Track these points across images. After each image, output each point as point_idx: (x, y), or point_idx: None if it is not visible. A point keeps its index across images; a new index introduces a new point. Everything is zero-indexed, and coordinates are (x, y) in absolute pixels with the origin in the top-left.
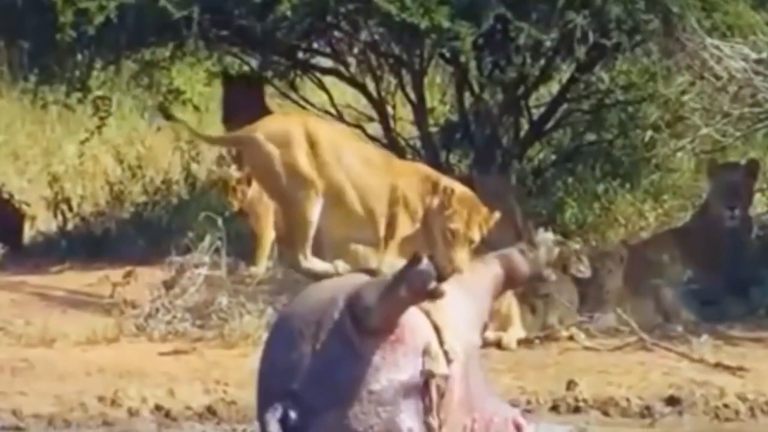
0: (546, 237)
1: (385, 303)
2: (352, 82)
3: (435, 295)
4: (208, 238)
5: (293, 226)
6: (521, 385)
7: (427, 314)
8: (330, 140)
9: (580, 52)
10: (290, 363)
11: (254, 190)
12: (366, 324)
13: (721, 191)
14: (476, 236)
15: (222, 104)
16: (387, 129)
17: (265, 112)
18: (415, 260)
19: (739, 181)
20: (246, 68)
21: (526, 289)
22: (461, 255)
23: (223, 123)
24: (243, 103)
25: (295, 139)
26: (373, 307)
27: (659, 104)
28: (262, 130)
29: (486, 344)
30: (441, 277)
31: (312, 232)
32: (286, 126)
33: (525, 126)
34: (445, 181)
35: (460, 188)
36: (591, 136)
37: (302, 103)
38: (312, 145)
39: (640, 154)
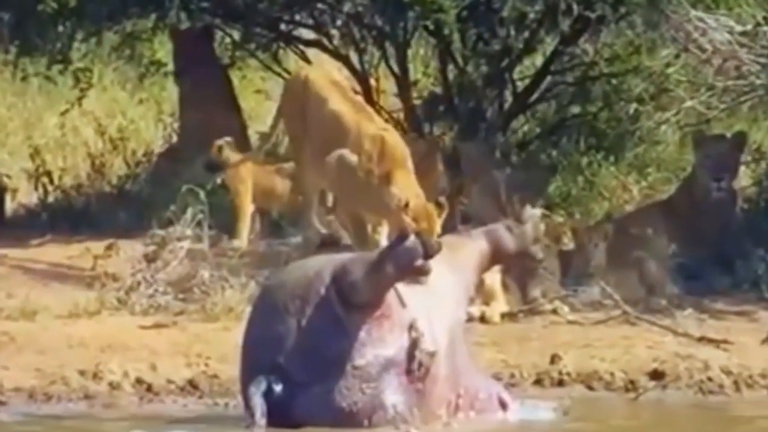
0: (533, 213)
1: (371, 279)
2: (335, 54)
3: (422, 271)
4: (190, 211)
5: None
6: (505, 359)
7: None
8: (317, 96)
9: (565, 24)
10: (275, 337)
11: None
12: (352, 299)
13: (708, 163)
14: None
15: (173, 59)
16: (370, 101)
17: (216, 64)
18: (401, 237)
19: (726, 153)
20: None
21: (510, 263)
22: None
23: (175, 78)
24: (193, 56)
25: (292, 96)
26: (360, 282)
27: (644, 77)
28: (284, 88)
29: (469, 318)
30: (428, 254)
31: (310, 197)
32: (293, 81)
33: (509, 98)
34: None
35: (413, 198)
36: (575, 109)
37: (285, 75)
38: (306, 98)
39: (625, 126)
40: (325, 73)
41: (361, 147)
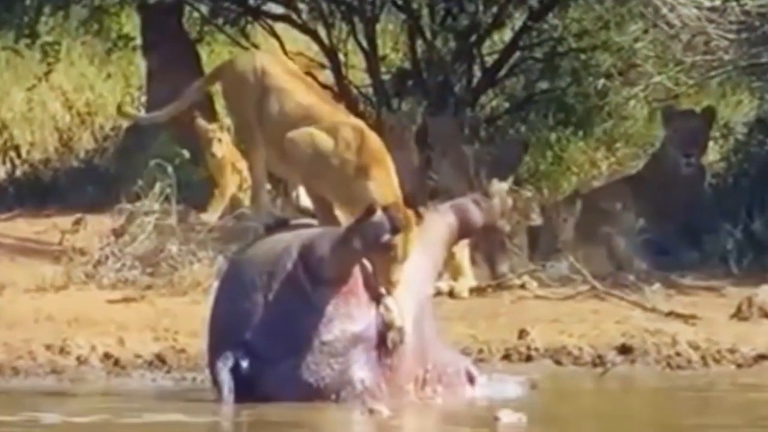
0: (500, 187)
1: (338, 254)
2: (304, 29)
3: (388, 247)
4: (158, 186)
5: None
6: (473, 334)
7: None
8: (277, 87)
9: None
10: (242, 312)
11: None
12: (319, 275)
13: (677, 138)
14: (412, 250)
15: (141, 34)
16: (339, 77)
17: (184, 39)
18: (369, 212)
19: (695, 129)
20: None
21: (478, 238)
22: (397, 272)
23: (143, 52)
24: (162, 31)
25: (247, 82)
26: (327, 257)
27: (612, 52)
28: (228, 66)
29: (438, 293)
30: (395, 230)
31: (259, 182)
32: (244, 66)
33: (478, 74)
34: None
35: (391, 200)
36: (544, 84)
37: (254, 50)
38: (262, 87)
39: (593, 102)
40: (281, 63)
41: (337, 133)
